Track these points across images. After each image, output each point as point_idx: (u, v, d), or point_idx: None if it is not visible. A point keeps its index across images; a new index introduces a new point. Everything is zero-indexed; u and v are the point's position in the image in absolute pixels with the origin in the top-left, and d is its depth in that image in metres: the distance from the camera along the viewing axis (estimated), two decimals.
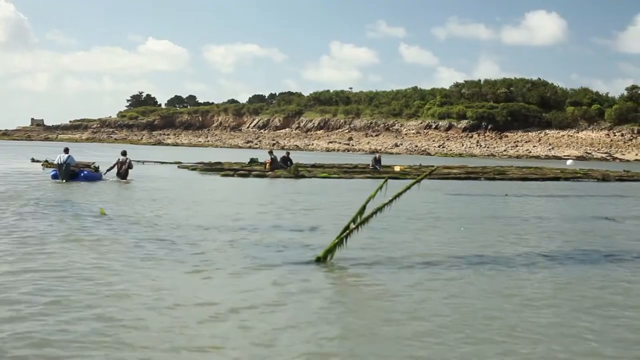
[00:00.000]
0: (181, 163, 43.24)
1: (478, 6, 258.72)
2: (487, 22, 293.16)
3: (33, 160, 40.73)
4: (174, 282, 9.34)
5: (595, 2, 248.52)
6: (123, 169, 28.42)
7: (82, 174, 27.27)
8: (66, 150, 27.31)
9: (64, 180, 26.42)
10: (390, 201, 11.37)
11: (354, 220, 11.36)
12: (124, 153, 29.24)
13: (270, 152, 38.87)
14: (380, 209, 11.34)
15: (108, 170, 28.34)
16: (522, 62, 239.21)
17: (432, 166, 46.23)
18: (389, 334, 7.25)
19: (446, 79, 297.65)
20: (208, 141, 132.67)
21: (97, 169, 28.27)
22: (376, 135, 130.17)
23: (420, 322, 7.70)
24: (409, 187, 11.53)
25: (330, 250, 11.18)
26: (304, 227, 15.22)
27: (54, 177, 27.17)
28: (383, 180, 11.49)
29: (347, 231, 11.29)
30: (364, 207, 11.36)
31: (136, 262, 10.57)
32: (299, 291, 9.04)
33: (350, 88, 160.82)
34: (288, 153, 39.93)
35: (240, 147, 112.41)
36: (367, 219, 11.33)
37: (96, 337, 6.84)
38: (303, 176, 34.38)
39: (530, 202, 24.22)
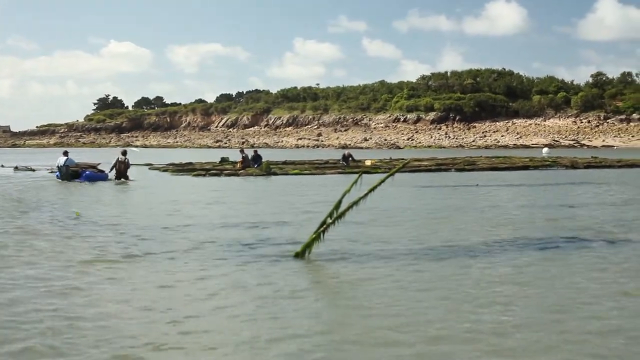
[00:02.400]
0: (152, 165, 43.04)
1: None
2: (448, 13, 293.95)
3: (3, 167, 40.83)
4: (147, 281, 9.38)
5: None
6: (122, 169, 29.67)
7: (84, 174, 29.01)
8: (65, 153, 29.66)
9: (64, 180, 28.65)
10: (366, 195, 11.49)
11: (330, 215, 11.47)
12: (124, 153, 30.67)
13: (242, 151, 38.88)
14: (356, 202, 11.45)
15: (110, 170, 29.86)
16: (486, 52, 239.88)
17: (403, 159, 46.60)
18: (364, 326, 7.37)
19: (411, 71, 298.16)
20: (177, 142, 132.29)
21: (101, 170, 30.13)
22: (345, 130, 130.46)
23: (395, 314, 7.82)
24: (383, 181, 11.66)
25: (308, 246, 11.28)
26: (281, 224, 15.32)
27: (59, 177, 29.50)
28: (357, 175, 11.65)
29: (324, 226, 11.41)
30: (339, 202, 11.47)
31: (108, 259, 10.62)
32: (277, 286, 9.11)
33: (317, 84, 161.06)
34: (256, 151, 39.76)
35: (210, 147, 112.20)
36: (343, 214, 11.45)
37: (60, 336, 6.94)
38: (275, 174, 34.38)
39: (499, 192, 24.48)
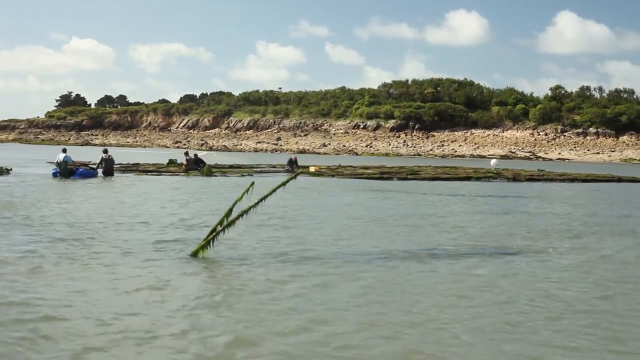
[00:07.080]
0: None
1: (398, 6, 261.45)
2: (409, 22, 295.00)
3: None
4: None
5: (514, 2, 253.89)
6: (109, 166, 32.34)
7: (77, 172, 31.06)
8: (64, 150, 31.54)
9: (63, 177, 30.37)
10: (257, 204, 11.77)
11: (220, 223, 11.72)
12: (105, 151, 33.08)
13: (186, 154, 39.23)
14: (245, 211, 11.73)
15: (97, 167, 32.52)
16: (447, 61, 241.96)
17: (351, 166, 46.93)
18: (257, 328, 7.71)
19: (374, 78, 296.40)
20: (137, 142, 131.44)
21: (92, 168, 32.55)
22: (305, 135, 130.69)
23: (290, 314, 8.25)
24: (274, 190, 11.94)
25: (201, 249, 11.60)
26: (187, 223, 15.63)
27: (54, 174, 30.89)
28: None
29: (214, 233, 11.66)
30: (230, 210, 11.73)
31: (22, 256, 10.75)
32: (169, 284, 9.56)
33: (280, 88, 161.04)
34: (196, 155, 40.48)
35: (169, 148, 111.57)
36: (232, 222, 11.71)
37: None
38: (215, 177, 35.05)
39: (414, 199, 24.62)
